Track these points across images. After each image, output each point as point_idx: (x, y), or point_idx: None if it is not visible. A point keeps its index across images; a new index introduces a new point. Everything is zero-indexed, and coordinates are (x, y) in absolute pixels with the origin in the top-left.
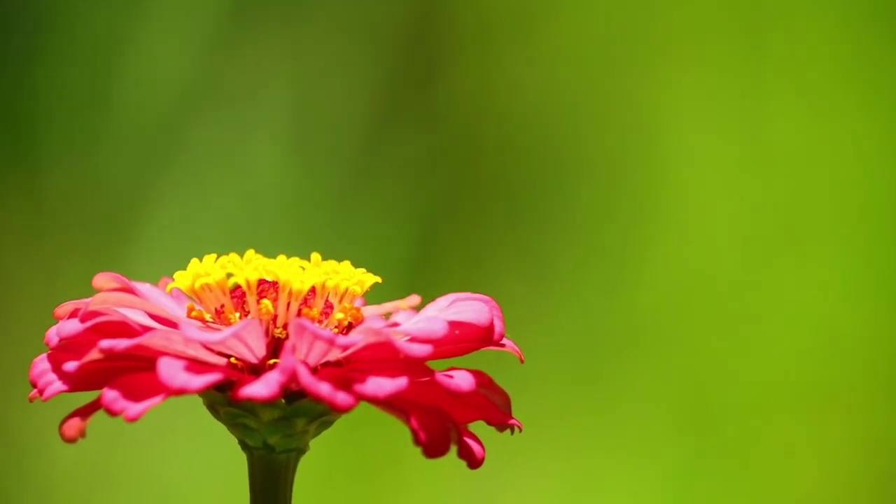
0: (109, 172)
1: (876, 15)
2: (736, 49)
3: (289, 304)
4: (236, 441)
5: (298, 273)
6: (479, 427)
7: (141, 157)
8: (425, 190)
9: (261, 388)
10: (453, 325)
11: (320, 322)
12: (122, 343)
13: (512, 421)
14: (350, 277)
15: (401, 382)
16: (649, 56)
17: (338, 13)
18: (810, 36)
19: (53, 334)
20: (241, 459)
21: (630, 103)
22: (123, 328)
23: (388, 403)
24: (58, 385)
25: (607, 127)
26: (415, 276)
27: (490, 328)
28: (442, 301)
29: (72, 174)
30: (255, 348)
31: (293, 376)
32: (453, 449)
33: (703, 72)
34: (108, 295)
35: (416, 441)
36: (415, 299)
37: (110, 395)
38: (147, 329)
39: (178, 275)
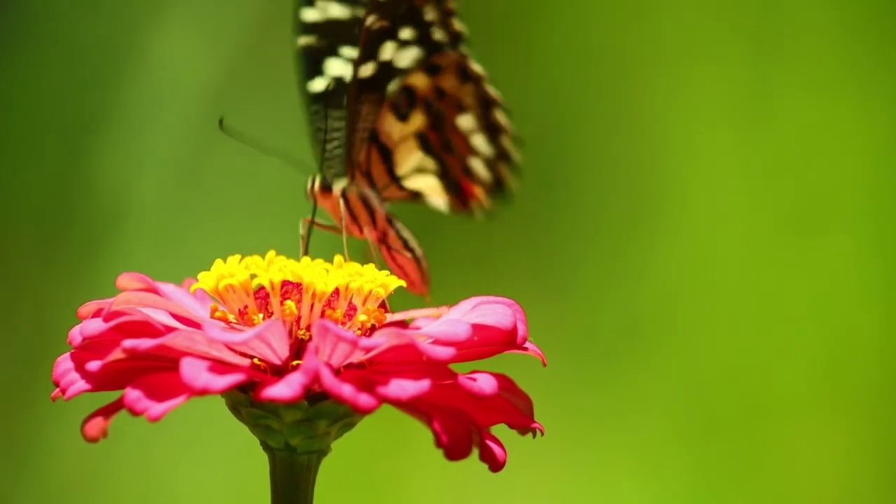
0: (104, 171)
1: (882, 14)
2: (742, 48)
3: (312, 305)
4: (258, 442)
5: (322, 275)
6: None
7: (140, 160)
8: None
9: (283, 389)
10: (476, 328)
11: (343, 324)
12: (145, 343)
13: (534, 424)
14: (374, 280)
15: (423, 385)
16: (656, 56)
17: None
18: (817, 34)
19: (76, 334)
20: (263, 460)
21: (636, 102)
22: (147, 328)
23: (411, 406)
24: (80, 384)
25: (613, 126)
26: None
27: (513, 332)
28: (465, 304)
29: (67, 174)
30: (278, 349)
31: (316, 378)
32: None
33: (709, 72)
34: (131, 295)
35: (438, 444)
36: (444, 310)
37: (133, 394)
38: (170, 329)
39: (202, 275)
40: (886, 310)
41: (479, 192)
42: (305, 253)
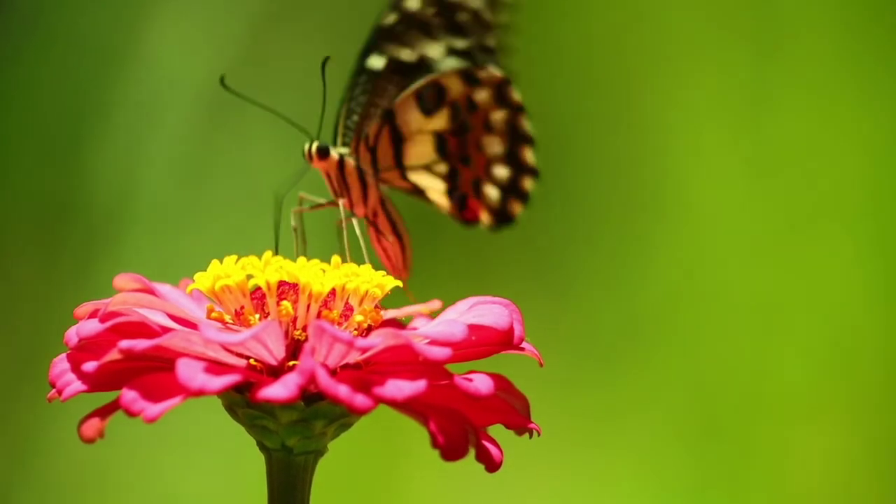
0: (103, 171)
1: (882, 14)
2: (744, 49)
3: (308, 306)
4: (255, 442)
5: (318, 275)
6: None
7: (137, 159)
8: None
9: (279, 389)
10: (473, 328)
11: (340, 324)
12: (141, 344)
13: (531, 425)
14: (370, 280)
15: (419, 385)
16: (656, 56)
17: (341, 17)
18: (818, 35)
19: (73, 334)
20: (259, 461)
21: (636, 102)
22: (143, 329)
23: (407, 406)
24: (77, 385)
25: (613, 126)
26: (418, 277)
27: (510, 332)
28: (462, 304)
29: (64, 173)
30: (274, 350)
31: (312, 378)
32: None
33: (709, 71)
34: (127, 295)
35: (434, 444)
36: (436, 304)
37: (129, 395)
38: (166, 330)
39: (198, 276)
40: (886, 310)
41: (483, 214)
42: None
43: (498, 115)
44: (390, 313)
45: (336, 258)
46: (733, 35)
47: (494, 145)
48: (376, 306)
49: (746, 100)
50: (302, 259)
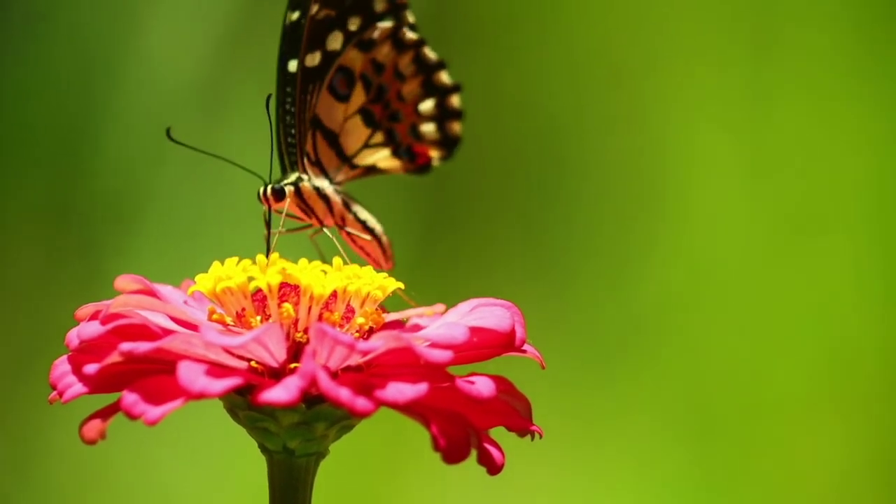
0: (103, 170)
1: (881, 14)
2: (743, 49)
3: (310, 308)
4: (256, 444)
5: (320, 277)
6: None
7: (138, 158)
8: (432, 191)
9: (281, 392)
10: (474, 330)
11: (341, 326)
12: (142, 346)
13: (533, 427)
14: (372, 282)
15: (421, 388)
16: (655, 57)
17: None
18: (817, 35)
19: (74, 336)
20: (261, 462)
21: (636, 103)
22: (144, 331)
23: (409, 409)
24: (78, 387)
25: (613, 126)
26: (420, 278)
27: (511, 334)
28: (464, 306)
29: (65, 172)
30: (275, 352)
31: (313, 381)
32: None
33: (709, 72)
34: (129, 297)
35: (436, 447)
36: (439, 308)
37: (130, 398)
38: (168, 332)
39: (199, 278)
40: (885, 310)
41: (431, 152)
42: (268, 237)
43: (404, 62)
44: (392, 315)
45: (337, 260)
46: (733, 36)
47: (412, 88)
48: (378, 308)
49: (746, 100)
50: (303, 261)
